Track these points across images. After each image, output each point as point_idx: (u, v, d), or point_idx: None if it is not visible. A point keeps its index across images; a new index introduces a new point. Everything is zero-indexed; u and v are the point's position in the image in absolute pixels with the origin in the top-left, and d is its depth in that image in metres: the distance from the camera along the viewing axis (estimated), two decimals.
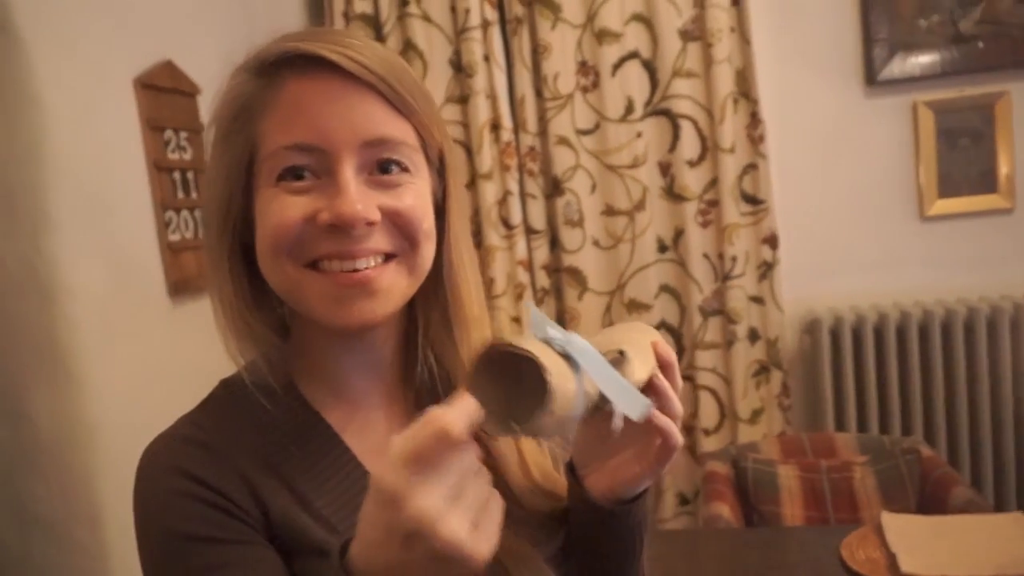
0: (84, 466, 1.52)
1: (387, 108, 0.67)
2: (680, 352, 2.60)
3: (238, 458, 0.68)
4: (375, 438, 0.74)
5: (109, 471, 1.53)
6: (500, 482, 0.72)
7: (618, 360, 0.63)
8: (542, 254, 2.60)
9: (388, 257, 0.68)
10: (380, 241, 0.68)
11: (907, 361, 2.46)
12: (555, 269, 2.64)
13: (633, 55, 2.49)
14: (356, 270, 0.67)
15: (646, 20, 2.48)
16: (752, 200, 2.49)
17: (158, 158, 1.78)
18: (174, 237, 1.82)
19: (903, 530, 1.60)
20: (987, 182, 2.49)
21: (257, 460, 0.68)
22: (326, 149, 0.65)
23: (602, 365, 0.58)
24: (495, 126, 2.53)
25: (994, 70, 2.44)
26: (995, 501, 2.47)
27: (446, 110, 2.56)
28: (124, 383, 1.60)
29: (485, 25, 2.49)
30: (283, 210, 0.66)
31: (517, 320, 2.56)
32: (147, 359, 1.69)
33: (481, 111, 2.51)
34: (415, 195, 0.69)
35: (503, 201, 2.55)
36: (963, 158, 2.49)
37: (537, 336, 0.57)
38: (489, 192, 2.53)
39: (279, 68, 0.67)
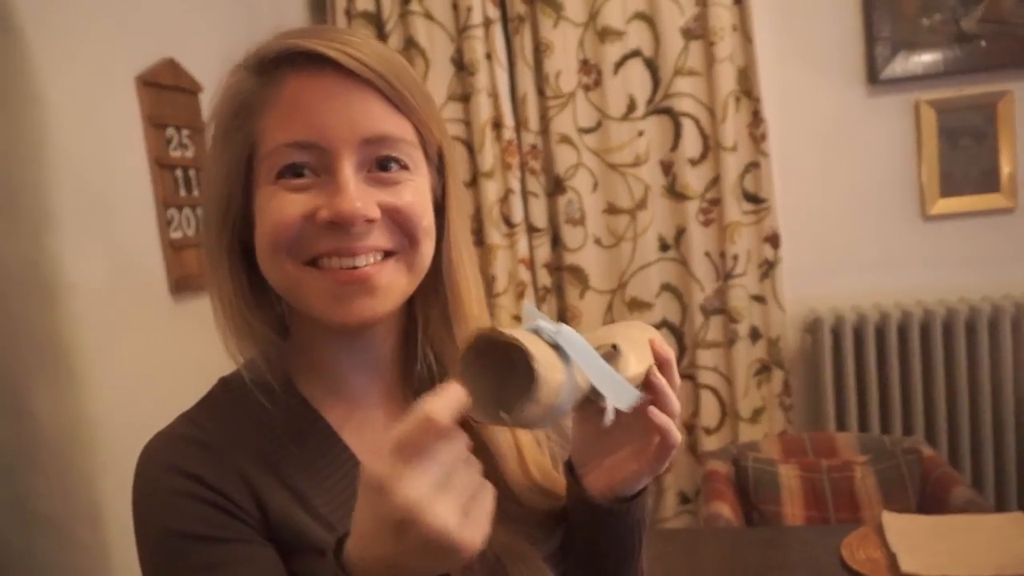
0: (85, 463, 1.52)
1: (386, 105, 0.67)
2: (681, 351, 2.60)
3: (237, 457, 0.68)
4: (374, 436, 0.74)
5: (110, 468, 1.53)
6: (499, 480, 0.72)
7: (611, 354, 0.63)
8: (543, 252, 2.60)
9: (387, 254, 0.68)
10: (379, 238, 0.67)
11: (908, 361, 2.45)
12: (556, 268, 2.64)
13: (635, 53, 2.49)
14: (356, 267, 0.66)
15: (648, 18, 2.48)
16: (754, 199, 2.49)
17: (160, 156, 1.79)
18: (176, 235, 1.82)
19: (903, 530, 1.60)
20: (989, 181, 2.49)
21: (256, 459, 0.68)
22: (325, 147, 0.65)
23: (592, 356, 0.59)
24: (497, 124, 2.53)
25: (996, 69, 2.44)
26: (996, 501, 2.46)
27: (448, 108, 2.56)
28: (126, 380, 1.60)
29: (487, 23, 2.49)
30: (282, 208, 0.66)
31: (518, 319, 2.56)
32: (148, 356, 1.69)
33: (483, 109, 2.51)
34: (414, 192, 0.69)
35: (505, 199, 2.55)
36: (965, 157, 2.49)
37: (528, 328, 0.57)
38: (491, 190, 2.53)
39: (278, 65, 0.67)
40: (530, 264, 2.59)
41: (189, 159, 1.89)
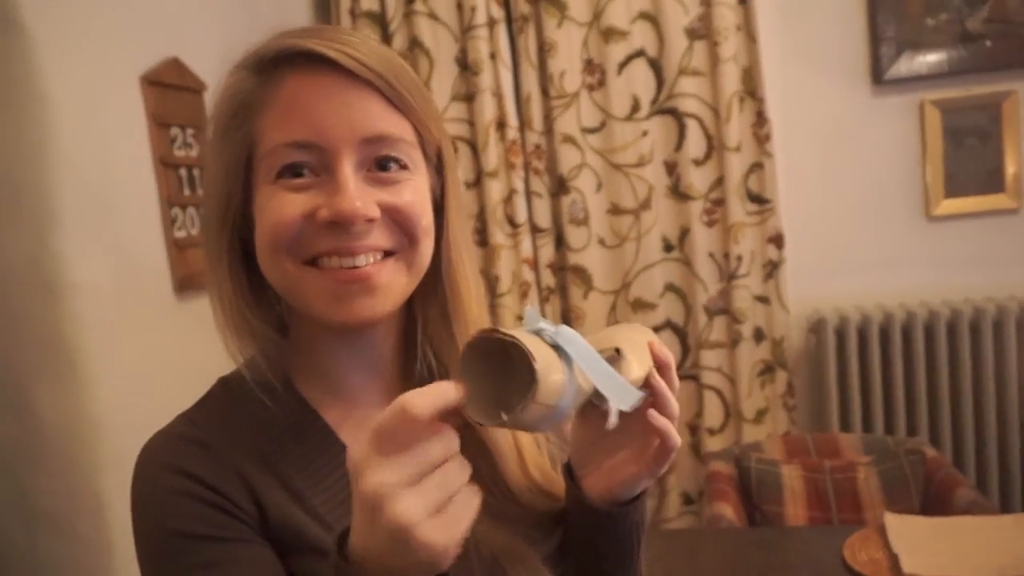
0: (88, 461, 1.53)
1: (385, 105, 0.67)
2: (685, 352, 2.59)
3: (235, 456, 0.68)
4: None
5: (113, 466, 1.54)
6: (499, 480, 0.73)
7: (614, 358, 0.63)
8: (547, 252, 2.60)
9: (387, 254, 0.69)
10: (379, 238, 0.68)
11: (912, 361, 2.45)
12: (560, 268, 2.64)
13: (639, 53, 2.49)
14: (355, 267, 0.67)
15: (652, 18, 2.48)
16: (758, 199, 2.49)
17: (164, 154, 1.79)
18: (180, 233, 1.82)
19: (906, 531, 1.59)
20: (994, 182, 2.48)
21: (254, 458, 0.68)
22: (325, 146, 0.66)
23: (593, 357, 0.59)
24: (501, 124, 2.53)
25: (1001, 69, 2.43)
26: (1000, 502, 2.46)
27: (452, 108, 2.57)
28: (129, 379, 1.60)
29: (491, 23, 2.49)
30: (282, 207, 0.66)
31: (521, 319, 2.56)
32: (152, 355, 1.69)
33: (487, 109, 2.51)
34: (414, 192, 0.69)
35: (508, 199, 2.55)
36: (970, 157, 2.48)
37: (529, 329, 0.57)
38: (495, 190, 2.53)
39: (278, 65, 0.67)
40: (534, 264, 2.59)
41: (193, 158, 1.89)
